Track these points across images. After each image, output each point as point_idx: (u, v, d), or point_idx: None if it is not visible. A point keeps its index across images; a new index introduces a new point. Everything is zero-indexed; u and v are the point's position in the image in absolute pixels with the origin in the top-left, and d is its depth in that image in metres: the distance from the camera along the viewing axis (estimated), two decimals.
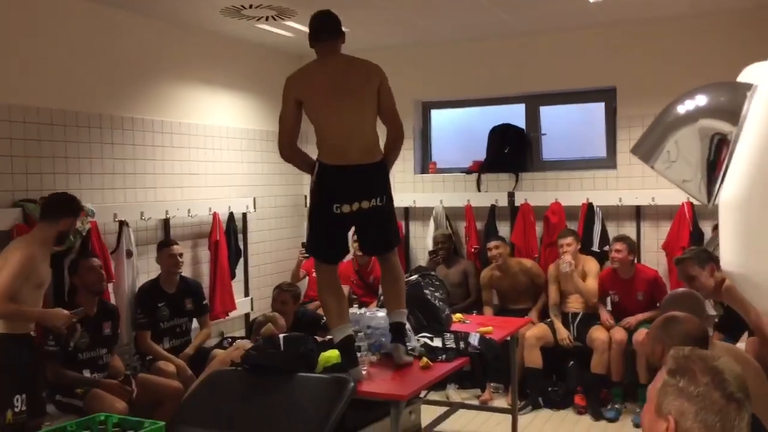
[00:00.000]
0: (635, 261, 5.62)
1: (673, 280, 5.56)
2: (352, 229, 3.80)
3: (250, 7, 5.06)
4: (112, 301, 4.81)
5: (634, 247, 5.56)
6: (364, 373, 3.53)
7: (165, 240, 5.24)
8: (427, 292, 4.40)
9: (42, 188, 4.41)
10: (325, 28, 3.62)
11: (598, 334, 5.42)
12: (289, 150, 3.67)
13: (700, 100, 1.90)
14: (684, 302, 2.75)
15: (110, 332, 4.54)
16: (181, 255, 5.12)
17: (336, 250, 3.75)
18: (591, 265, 5.68)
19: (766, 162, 1.53)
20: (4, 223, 4.07)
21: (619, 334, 5.35)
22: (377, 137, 3.61)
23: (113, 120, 5.05)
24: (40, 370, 3.78)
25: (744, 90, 1.77)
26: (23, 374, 3.56)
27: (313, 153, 3.67)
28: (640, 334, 5.03)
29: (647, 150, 1.98)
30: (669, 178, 2.02)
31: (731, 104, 1.79)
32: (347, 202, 3.47)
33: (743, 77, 1.98)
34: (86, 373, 4.29)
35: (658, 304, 5.31)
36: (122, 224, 4.97)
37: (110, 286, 4.80)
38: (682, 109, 1.91)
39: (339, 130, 3.51)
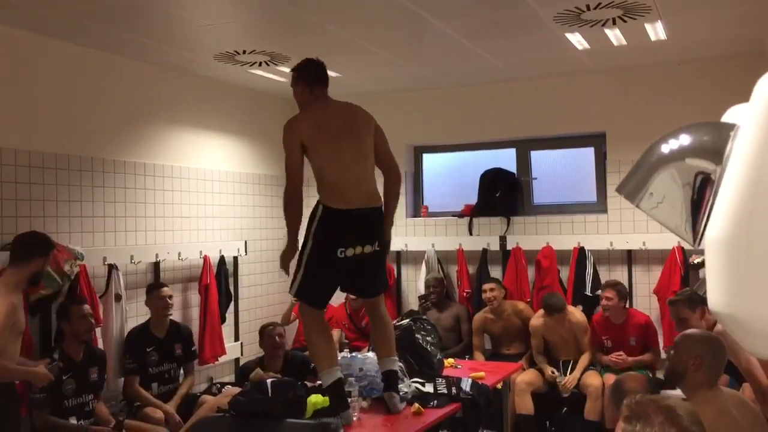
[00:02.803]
0: (627, 306, 5.60)
1: (665, 324, 5.54)
2: None
3: (244, 52, 5.13)
4: (100, 345, 4.74)
5: (624, 294, 5.54)
6: (355, 418, 3.48)
7: (155, 283, 5.20)
8: (418, 336, 4.36)
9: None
10: (324, 76, 3.67)
11: (591, 380, 5.36)
12: (300, 193, 3.55)
13: (684, 139, 1.92)
14: (699, 343, 2.78)
15: (97, 378, 4.47)
16: (171, 297, 5.08)
17: (329, 295, 3.73)
18: (577, 316, 5.63)
19: (750, 201, 1.53)
20: None
21: (612, 380, 5.29)
22: (376, 183, 3.66)
23: (105, 163, 5.06)
24: (20, 417, 3.70)
25: (727, 130, 1.79)
26: (6, 422, 3.48)
27: (313, 197, 3.61)
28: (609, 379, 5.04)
29: (632, 189, 1.99)
30: (654, 218, 2.03)
31: (715, 144, 1.81)
32: (351, 246, 3.47)
33: (726, 118, 2.01)
34: (73, 420, 4.21)
35: (664, 349, 5.25)
36: (111, 268, 4.93)
37: (98, 331, 4.74)
38: (666, 148, 1.92)
39: (344, 174, 3.50)
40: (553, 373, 5.47)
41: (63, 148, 4.75)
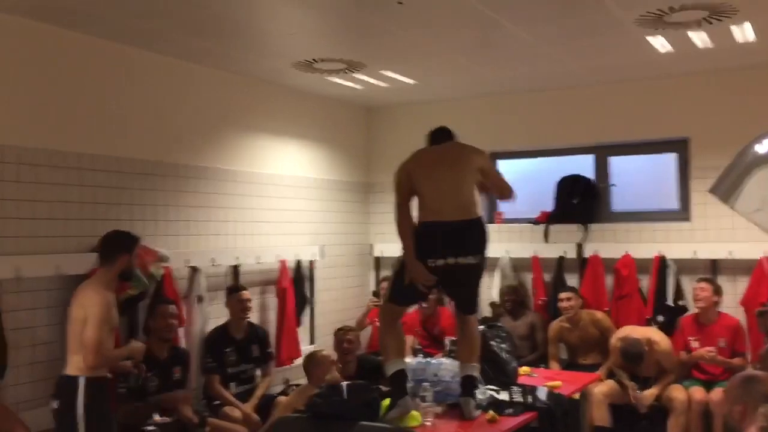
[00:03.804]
0: (718, 306, 5.38)
1: (753, 337, 5.31)
2: None
3: (322, 60, 5.22)
4: (183, 345, 4.89)
5: (719, 290, 5.33)
6: (428, 424, 3.51)
7: (234, 286, 5.34)
8: (493, 343, 4.33)
9: None
10: (439, 136, 4.08)
11: (676, 393, 5.17)
12: (406, 210, 3.88)
13: None
14: None
15: (180, 376, 4.62)
16: (249, 301, 5.21)
17: (418, 297, 4.05)
18: (662, 345, 5.36)
19: None
20: (83, 267, 4.22)
21: (699, 393, 5.11)
22: (475, 199, 3.83)
23: (188, 169, 5.24)
24: (111, 414, 3.85)
25: None
26: (104, 416, 3.63)
27: None
28: (717, 393, 4.79)
29: (725, 190, 1.93)
30: (753, 221, 1.95)
31: None
32: (441, 257, 3.69)
33: None
34: (156, 417, 4.35)
35: (751, 364, 5.02)
36: (194, 270, 5.10)
37: (181, 331, 4.90)
38: (761, 148, 1.86)
39: (436, 192, 3.79)
40: (633, 389, 5.25)
41: (148, 155, 4.94)
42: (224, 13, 4.17)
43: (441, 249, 3.69)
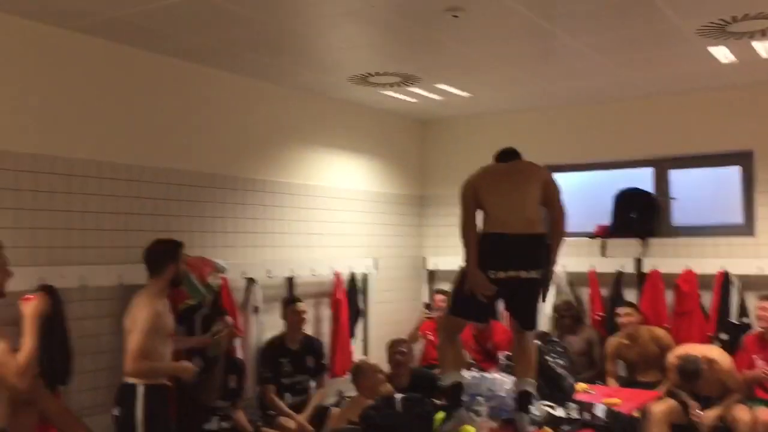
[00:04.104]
0: None
1: None
2: None
3: (377, 74, 5.27)
4: (239, 355, 4.97)
5: None
6: None
7: (290, 297, 5.40)
8: (548, 358, 4.28)
9: None
10: (505, 156, 4.11)
11: (741, 414, 4.97)
12: (471, 220, 3.90)
13: None
14: None
15: (235, 386, 4.69)
16: (305, 312, 5.25)
17: (481, 310, 3.91)
18: (723, 366, 5.17)
19: None
20: (144, 277, 4.31)
21: (765, 414, 4.91)
22: (540, 215, 3.85)
23: (246, 182, 5.35)
24: (171, 420, 3.92)
25: None
26: (163, 423, 3.71)
27: None
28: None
29: None
30: None
31: None
32: (503, 269, 3.69)
33: None
34: (213, 423, 4.42)
35: None
36: (250, 281, 5.18)
37: (237, 341, 4.96)
38: None
39: (503, 205, 3.82)
40: (694, 408, 5.07)
41: (208, 168, 5.06)
42: (282, 30, 4.25)
43: (504, 261, 3.70)
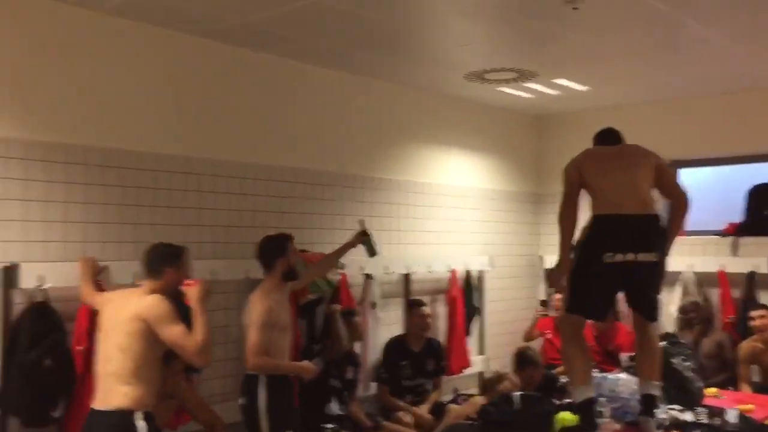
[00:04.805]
0: None
1: None
2: None
3: (493, 71, 5.24)
4: (357, 349, 5.07)
5: None
6: None
7: (415, 300, 5.44)
8: (675, 360, 4.12)
9: (302, 241, 4.81)
10: (607, 138, 3.98)
11: None
12: (572, 207, 3.78)
13: None
14: None
15: (352, 377, 4.80)
16: (429, 316, 5.28)
17: (599, 304, 3.74)
18: None
19: None
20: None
21: None
22: (653, 198, 3.67)
23: (362, 180, 5.46)
24: (295, 410, 4.06)
25: None
26: (285, 411, 3.86)
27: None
28: None
29: None
30: None
31: None
32: (620, 251, 3.49)
33: None
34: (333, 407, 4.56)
35: None
36: (368, 277, 5.28)
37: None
38: None
39: (613, 185, 3.64)
40: None
41: (327, 166, 5.21)
42: (399, 29, 4.32)
43: (621, 243, 3.50)
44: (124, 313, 3.11)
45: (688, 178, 6.54)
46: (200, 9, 3.96)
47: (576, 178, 3.74)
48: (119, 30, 4.08)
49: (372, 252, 4.58)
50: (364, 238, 4.50)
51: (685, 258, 6.11)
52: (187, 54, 4.43)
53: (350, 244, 4.46)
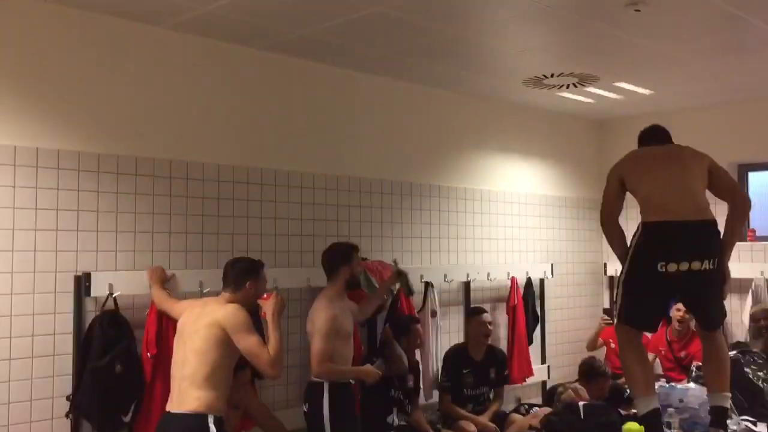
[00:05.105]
0: None
1: None
2: None
3: (552, 76, 5.18)
4: (417, 357, 5.07)
5: None
6: None
7: (476, 308, 5.40)
8: (748, 370, 3.99)
9: (362, 249, 4.84)
10: (654, 136, 3.82)
11: None
12: (611, 215, 3.73)
13: None
14: None
15: (413, 384, 4.79)
16: (491, 324, 5.23)
17: (650, 317, 3.59)
18: None
19: None
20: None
21: None
22: (707, 202, 3.50)
23: (422, 188, 5.46)
24: (356, 416, 4.08)
25: None
26: (348, 418, 3.89)
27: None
28: None
29: None
30: None
31: None
32: (674, 261, 3.31)
33: None
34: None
35: None
36: (428, 285, 5.28)
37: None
38: None
39: (663, 189, 3.47)
40: None
41: (386, 175, 5.23)
42: (455, 36, 4.32)
43: (676, 251, 3.31)
44: (204, 320, 3.21)
45: (755, 181, 6.34)
46: (264, 23, 4.04)
47: (618, 184, 3.63)
48: (186, 45, 4.20)
49: (409, 291, 4.64)
50: (400, 277, 4.56)
51: (755, 264, 5.93)
52: (252, 67, 4.52)
53: (387, 285, 4.51)
